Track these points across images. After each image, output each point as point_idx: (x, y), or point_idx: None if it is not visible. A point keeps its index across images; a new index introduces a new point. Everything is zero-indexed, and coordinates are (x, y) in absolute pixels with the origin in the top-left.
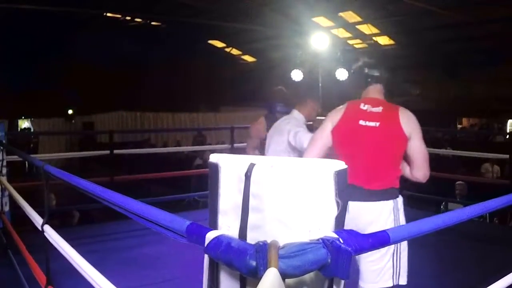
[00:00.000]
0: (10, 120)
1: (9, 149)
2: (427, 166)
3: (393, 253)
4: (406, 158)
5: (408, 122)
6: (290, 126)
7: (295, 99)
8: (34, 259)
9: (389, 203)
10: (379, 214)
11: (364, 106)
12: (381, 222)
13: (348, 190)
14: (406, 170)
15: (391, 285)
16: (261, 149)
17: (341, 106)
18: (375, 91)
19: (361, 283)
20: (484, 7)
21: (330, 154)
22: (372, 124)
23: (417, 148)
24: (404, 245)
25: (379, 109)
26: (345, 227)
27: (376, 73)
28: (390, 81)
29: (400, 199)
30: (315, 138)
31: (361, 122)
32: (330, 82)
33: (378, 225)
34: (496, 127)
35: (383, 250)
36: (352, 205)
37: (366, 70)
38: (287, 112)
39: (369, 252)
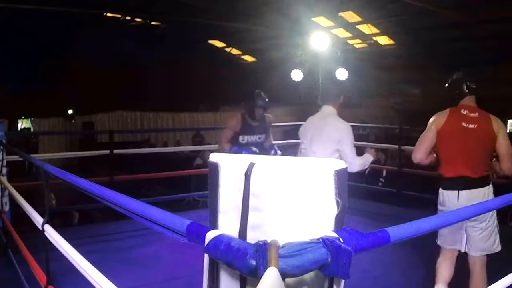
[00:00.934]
0: (10, 120)
1: (9, 149)
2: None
3: (494, 221)
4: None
5: (497, 124)
6: (340, 135)
7: (333, 96)
8: (34, 258)
9: (490, 187)
10: (485, 197)
11: (464, 111)
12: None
13: (457, 180)
14: (496, 166)
15: (496, 250)
16: (234, 140)
17: (442, 112)
18: (471, 100)
19: (471, 253)
20: (484, 7)
21: None
22: (471, 126)
23: (503, 143)
24: (494, 214)
25: (476, 114)
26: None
27: (473, 86)
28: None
29: (491, 184)
30: (424, 139)
31: (464, 124)
32: (330, 82)
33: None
34: None
35: (487, 217)
36: (463, 193)
37: (467, 83)
38: (267, 108)
39: (476, 220)
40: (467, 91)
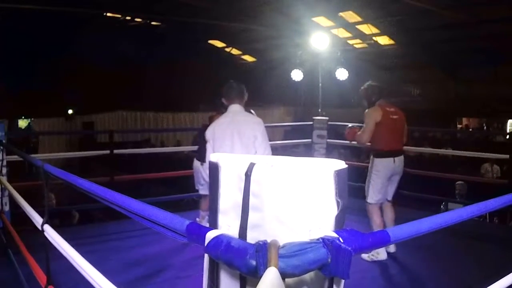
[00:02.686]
0: (10, 120)
1: (9, 149)
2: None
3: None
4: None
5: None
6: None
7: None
8: (34, 258)
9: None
10: (403, 161)
11: (388, 108)
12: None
13: (391, 153)
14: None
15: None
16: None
17: (375, 109)
18: (384, 100)
19: (388, 198)
20: (484, 7)
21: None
22: (396, 117)
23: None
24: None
25: (394, 109)
26: (393, 171)
27: (384, 90)
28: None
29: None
30: (368, 128)
31: (391, 116)
32: (330, 82)
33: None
34: (496, 127)
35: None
36: (396, 159)
37: (380, 88)
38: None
39: (398, 175)
40: (380, 95)
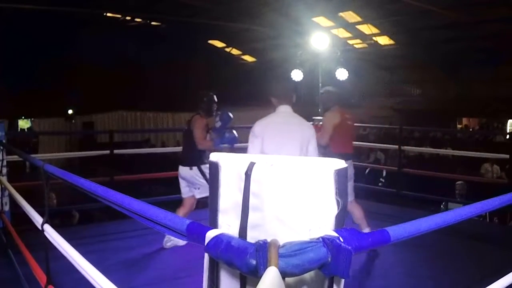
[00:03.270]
0: (10, 120)
1: (9, 149)
2: None
3: None
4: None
5: None
6: None
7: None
8: (34, 258)
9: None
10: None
11: (345, 114)
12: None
13: (349, 156)
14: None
15: None
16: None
17: (334, 114)
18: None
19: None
20: (484, 7)
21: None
22: (350, 122)
23: None
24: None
25: (350, 116)
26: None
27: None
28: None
29: None
30: (327, 131)
31: (347, 122)
32: (330, 82)
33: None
34: (496, 127)
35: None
36: (348, 162)
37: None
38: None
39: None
40: (336, 101)
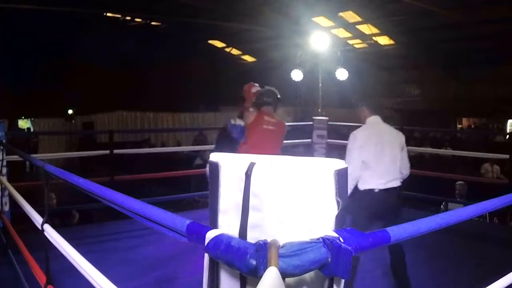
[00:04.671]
0: (10, 120)
1: (9, 149)
2: None
3: None
4: None
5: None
6: None
7: None
8: (34, 258)
9: None
10: None
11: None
12: None
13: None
14: None
15: None
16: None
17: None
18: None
19: None
20: (484, 7)
21: None
22: (271, 127)
23: None
24: None
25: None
26: None
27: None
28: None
29: None
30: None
31: (265, 126)
32: (330, 82)
33: None
34: (496, 127)
35: None
36: None
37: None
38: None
39: None
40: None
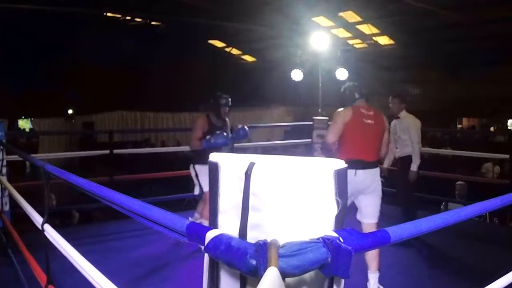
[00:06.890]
0: (10, 120)
1: (9, 149)
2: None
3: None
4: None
5: (386, 121)
6: None
7: None
8: (34, 258)
9: (378, 168)
10: (376, 175)
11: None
12: (376, 180)
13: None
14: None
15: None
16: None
17: (346, 109)
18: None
19: (363, 219)
20: (484, 7)
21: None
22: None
23: (387, 136)
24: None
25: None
26: (355, 188)
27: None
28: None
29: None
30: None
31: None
32: (330, 82)
33: (375, 182)
34: (496, 127)
35: (378, 192)
36: (360, 172)
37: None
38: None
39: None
40: (358, 96)
